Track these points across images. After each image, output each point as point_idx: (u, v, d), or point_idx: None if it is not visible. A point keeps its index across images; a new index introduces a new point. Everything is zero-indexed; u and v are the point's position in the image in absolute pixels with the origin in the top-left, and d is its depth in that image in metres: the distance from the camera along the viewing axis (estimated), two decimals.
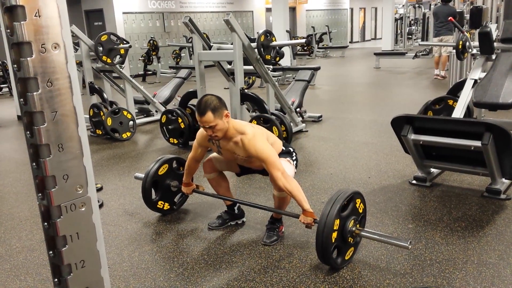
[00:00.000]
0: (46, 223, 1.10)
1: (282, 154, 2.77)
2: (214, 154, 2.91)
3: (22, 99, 1.01)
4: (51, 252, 1.13)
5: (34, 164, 1.06)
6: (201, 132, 2.77)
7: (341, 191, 2.40)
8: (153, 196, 3.13)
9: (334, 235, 2.27)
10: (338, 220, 2.29)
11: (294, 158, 2.83)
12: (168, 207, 3.20)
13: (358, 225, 2.43)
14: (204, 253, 2.71)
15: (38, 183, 1.07)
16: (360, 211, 2.49)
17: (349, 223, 2.36)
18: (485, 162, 3.10)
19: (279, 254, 2.65)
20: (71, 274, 1.13)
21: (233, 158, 2.75)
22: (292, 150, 2.87)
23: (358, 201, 2.47)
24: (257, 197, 3.52)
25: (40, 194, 1.08)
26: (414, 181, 3.62)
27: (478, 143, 2.99)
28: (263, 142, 2.55)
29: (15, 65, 1.00)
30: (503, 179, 3.30)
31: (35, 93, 0.99)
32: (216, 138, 2.60)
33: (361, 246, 2.67)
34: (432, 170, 3.65)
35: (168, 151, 5.01)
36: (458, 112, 3.81)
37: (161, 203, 3.16)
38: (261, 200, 3.43)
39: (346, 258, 2.43)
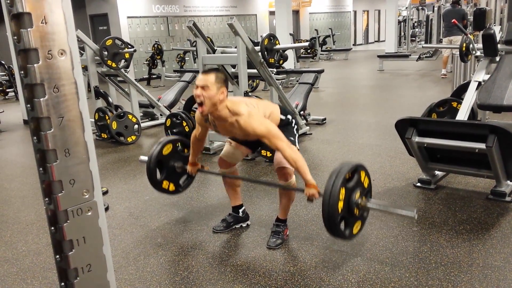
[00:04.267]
0: (53, 228, 1.11)
1: (281, 127, 2.63)
2: (223, 152, 2.90)
3: (29, 105, 1.02)
4: (57, 256, 1.14)
5: (41, 169, 1.07)
6: (198, 112, 2.70)
7: (345, 163, 2.33)
8: (158, 176, 3.03)
9: (340, 205, 2.18)
10: (344, 189, 2.21)
11: (294, 127, 2.76)
12: (174, 188, 3.10)
13: (364, 198, 2.33)
14: (209, 257, 2.71)
15: (45, 188, 1.08)
16: (365, 185, 2.38)
17: (355, 194, 2.27)
18: (490, 165, 3.10)
19: (284, 257, 2.65)
20: (78, 278, 1.14)
21: (233, 135, 2.70)
22: (290, 118, 2.76)
23: (363, 173, 2.37)
24: (262, 200, 3.52)
25: (47, 199, 1.09)
26: (418, 184, 3.61)
27: (482, 146, 2.99)
28: (259, 120, 2.46)
29: (22, 72, 1.01)
30: (508, 182, 3.29)
31: (41, 99, 1.00)
32: (200, 107, 2.45)
33: (366, 249, 2.67)
34: (437, 172, 3.64)
35: None
36: (462, 114, 3.80)
37: (166, 183, 3.05)
38: (265, 203, 3.43)
39: (354, 232, 2.31)
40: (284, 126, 2.71)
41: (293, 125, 2.77)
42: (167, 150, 3.04)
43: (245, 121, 2.45)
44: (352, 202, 2.26)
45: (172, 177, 3.10)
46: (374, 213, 3.15)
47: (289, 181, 2.68)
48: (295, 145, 2.68)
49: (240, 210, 3.05)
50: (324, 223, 2.21)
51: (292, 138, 2.69)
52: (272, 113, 2.69)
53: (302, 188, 2.48)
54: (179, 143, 3.12)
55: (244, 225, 3.07)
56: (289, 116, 2.77)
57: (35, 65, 0.98)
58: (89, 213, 1.14)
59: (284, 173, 2.66)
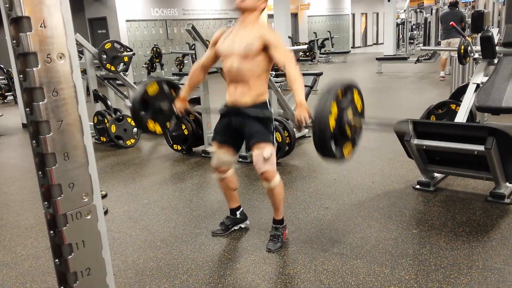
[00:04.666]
0: (52, 231, 1.11)
1: (264, 122, 2.63)
2: (212, 161, 2.85)
3: (28, 109, 1.02)
4: (57, 260, 1.13)
5: (40, 172, 1.07)
6: (216, 32, 2.75)
7: (337, 80, 2.28)
8: (144, 116, 2.89)
9: (332, 122, 2.12)
10: (335, 104, 2.14)
11: (272, 125, 2.71)
12: (160, 130, 2.98)
13: (357, 118, 2.27)
14: (209, 260, 2.71)
15: (44, 192, 1.08)
16: (358, 106, 2.31)
17: (347, 112, 2.19)
18: (489, 167, 3.10)
19: (283, 260, 2.65)
20: (77, 282, 1.14)
21: (233, 40, 2.61)
22: (272, 114, 2.71)
23: (356, 92, 2.31)
24: (261, 203, 3.52)
25: (46, 203, 1.08)
26: (417, 186, 3.62)
27: (481, 148, 2.99)
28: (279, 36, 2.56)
29: (21, 75, 1.01)
30: (507, 183, 3.30)
31: (41, 103, 1.00)
32: (240, 3, 2.53)
33: (365, 252, 2.67)
34: (436, 174, 3.65)
35: (172, 157, 5.02)
36: (461, 116, 3.81)
37: (152, 124, 2.93)
38: (264, 206, 3.43)
39: (345, 154, 2.25)
40: (265, 120, 2.65)
41: (272, 121, 2.71)
42: (152, 90, 2.90)
43: (266, 30, 2.56)
44: (344, 120, 2.18)
45: (159, 118, 2.96)
46: (373, 215, 3.15)
47: (273, 181, 2.63)
48: (273, 143, 2.66)
49: (238, 212, 3.05)
50: (313, 141, 2.16)
51: (270, 137, 2.65)
52: (266, 85, 2.69)
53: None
54: (165, 84, 2.97)
55: (243, 226, 3.07)
56: (271, 111, 2.73)
57: (34, 69, 0.98)
58: (88, 217, 1.13)
59: (266, 177, 2.62)
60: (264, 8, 2.61)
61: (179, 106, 2.89)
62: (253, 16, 2.58)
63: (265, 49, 2.53)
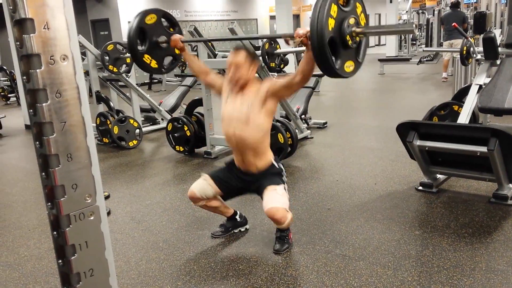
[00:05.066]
0: (55, 232, 1.11)
1: (273, 175, 2.67)
2: (195, 185, 2.80)
3: (31, 110, 1.03)
4: (60, 261, 1.14)
5: (43, 174, 1.07)
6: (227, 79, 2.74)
7: None
8: (139, 47, 2.87)
9: (331, 22, 2.00)
10: (336, 6, 2.02)
11: (285, 179, 2.73)
12: (156, 65, 2.94)
13: (359, 28, 2.14)
14: (211, 261, 2.71)
15: (48, 193, 1.08)
16: (362, 21, 2.19)
17: (349, 20, 2.08)
18: (492, 168, 3.09)
19: (285, 262, 2.65)
20: (80, 283, 1.14)
21: (233, 108, 2.64)
22: (282, 168, 2.76)
23: (359, 6, 2.18)
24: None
25: (49, 204, 1.09)
26: (420, 187, 3.61)
27: (484, 149, 2.99)
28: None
29: (25, 77, 1.01)
30: (510, 185, 3.28)
31: (44, 104, 1.00)
32: (235, 81, 2.59)
33: (368, 253, 2.67)
34: (438, 176, 3.64)
35: (175, 159, 5.03)
36: (464, 117, 3.80)
37: (148, 58, 2.89)
38: None
39: (345, 69, 2.13)
40: (275, 174, 2.69)
41: (283, 173, 2.73)
42: (150, 19, 2.85)
43: (268, 80, 2.68)
44: (344, 26, 2.07)
45: (155, 53, 2.93)
46: (376, 217, 3.15)
47: (285, 223, 2.56)
48: (284, 186, 2.66)
49: (237, 217, 3.04)
50: (311, 44, 2.05)
51: (280, 181, 2.66)
52: (268, 145, 2.72)
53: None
54: (164, 17, 2.93)
55: (242, 229, 3.06)
56: (281, 166, 2.77)
57: (37, 70, 0.98)
58: (92, 218, 1.14)
59: (276, 219, 2.53)
60: (255, 70, 2.64)
61: (175, 39, 2.89)
62: (252, 82, 2.64)
63: (268, 98, 2.58)
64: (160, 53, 2.96)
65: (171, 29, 2.98)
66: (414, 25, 2.07)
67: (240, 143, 2.64)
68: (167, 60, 3.09)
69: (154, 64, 2.93)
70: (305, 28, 2.24)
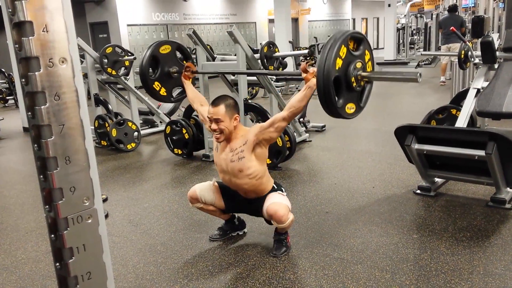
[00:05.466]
0: (53, 235, 1.11)
1: (273, 190, 2.73)
2: (199, 185, 2.85)
3: (30, 113, 1.03)
4: (57, 264, 1.13)
5: (41, 176, 1.07)
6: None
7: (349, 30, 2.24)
8: (151, 74, 2.91)
9: (339, 62, 2.05)
10: (346, 49, 2.08)
11: (284, 193, 2.77)
12: (165, 93, 2.98)
13: (364, 72, 2.22)
14: (209, 264, 2.71)
15: (46, 196, 1.08)
16: (368, 68, 2.25)
17: (356, 63, 2.14)
18: (490, 172, 3.10)
19: (283, 265, 2.64)
20: (78, 286, 1.14)
21: (225, 160, 2.67)
22: (282, 188, 2.79)
23: (368, 53, 2.25)
24: None
25: (47, 206, 1.09)
26: (418, 191, 3.61)
27: (482, 153, 2.99)
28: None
29: (23, 80, 1.01)
30: (508, 189, 3.29)
31: (42, 107, 1.01)
32: (217, 137, 2.61)
33: (366, 257, 2.67)
34: (437, 179, 3.65)
35: (173, 161, 5.02)
36: (462, 121, 3.81)
37: (158, 85, 2.94)
38: None
39: (346, 110, 2.17)
40: (275, 190, 2.74)
41: (282, 188, 2.77)
42: (164, 49, 2.93)
43: (254, 126, 2.63)
44: (351, 68, 2.12)
45: (166, 81, 2.98)
46: (374, 220, 3.15)
47: (287, 223, 2.59)
48: (283, 192, 2.72)
49: (235, 220, 3.04)
50: (317, 79, 2.11)
51: (282, 190, 2.74)
52: (270, 178, 2.76)
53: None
54: (178, 49, 2.99)
55: (240, 233, 3.06)
56: (282, 187, 2.80)
57: (36, 73, 0.98)
58: (89, 221, 1.14)
59: (278, 216, 2.56)
60: (237, 122, 2.63)
61: (190, 64, 2.98)
62: (233, 133, 2.63)
63: (257, 145, 2.60)
64: (171, 83, 3.05)
65: (184, 62, 3.08)
66: (418, 74, 2.11)
67: (238, 187, 2.72)
68: (176, 91, 3.14)
69: (163, 92, 3.01)
70: (312, 67, 2.37)
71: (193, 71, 3.05)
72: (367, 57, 2.28)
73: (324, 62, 2.05)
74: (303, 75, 2.46)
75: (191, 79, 3.09)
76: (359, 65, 2.17)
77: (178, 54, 3.06)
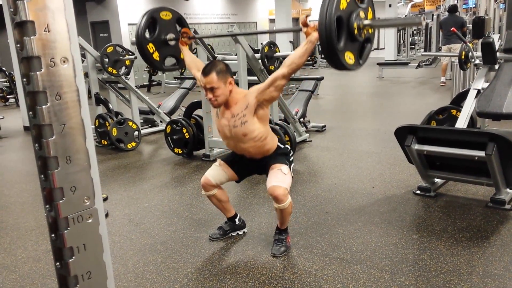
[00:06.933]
0: (53, 235, 1.11)
1: (279, 155, 2.71)
2: (209, 171, 2.85)
3: (31, 112, 1.03)
4: (58, 263, 1.14)
5: (42, 176, 1.07)
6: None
7: None
8: (148, 36, 2.91)
9: (343, 2, 2.01)
10: None
11: (291, 160, 2.77)
12: (158, 59, 2.96)
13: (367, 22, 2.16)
14: (209, 264, 2.71)
15: (46, 195, 1.08)
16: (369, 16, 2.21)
17: (359, 12, 2.09)
18: (489, 172, 3.10)
19: (283, 265, 2.65)
20: (78, 285, 1.14)
21: (227, 126, 2.65)
22: (289, 149, 2.80)
23: (370, 10, 2.20)
24: (261, 207, 3.52)
25: (47, 206, 1.09)
26: (418, 191, 3.62)
27: (482, 153, 2.99)
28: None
29: (25, 79, 1.01)
30: (508, 189, 3.29)
31: (44, 107, 1.01)
32: (215, 104, 2.59)
33: (365, 257, 2.67)
34: (436, 180, 3.65)
35: (173, 161, 5.03)
36: (462, 122, 3.81)
37: (152, 48, 2.91)
38: (265, 210, 3.43)
39: (346, 58, 2.11)
40: (281, 154, 2.73)
41: (289, 155, 2.77)
42: (165, 15, 2.91)
43: (252, 88, 2.58)
44: (354, 15, 2.07)
45: (161, 47, 2.96)
46: (373, 220, 3.15)
47: (284, 203, 2.58)
48: (289, 167, 2.69)
49: (236, 219, 3.04)
50: (319, 14, 2.03)
51: (286, 162, 2.70)
52: (274, 136, 2.75)
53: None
54: (178, 20, 2.98)
55: (240, 232, 3.06)
56: (288, 147, 2.81)
57: (37, 72, 0.99)
58: (90, 220, 1.14)
59: (276, 195, 2.55)
60: (233, 85, 2.59)
61: (187, 30, 2.99)
62: (230, 97, 2.60)
63: (258, 106, 2.57)
64: (166, 50, 2.99)
65: (181, 34, 3.02)
66: (422, 18, 2.06)
67: (243, 151, 2.72)
68: (170, 61, 3.10)
69: (156, 56, 2.95)
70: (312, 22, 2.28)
71: (190, 36, 3.01)
72: (369, 15, 2.23)
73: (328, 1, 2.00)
74: (304, 29, 2.36)
75: (188, 46, 3.05)
76: (362, 14, 2.13)
77: (178, 27, 3.04)
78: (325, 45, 2.08)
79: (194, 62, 3.00)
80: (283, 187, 2.55)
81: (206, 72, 2.53)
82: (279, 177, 2.59)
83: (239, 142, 2.66)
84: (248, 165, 2.83)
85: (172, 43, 3.00)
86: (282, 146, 2.77)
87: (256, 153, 2.71)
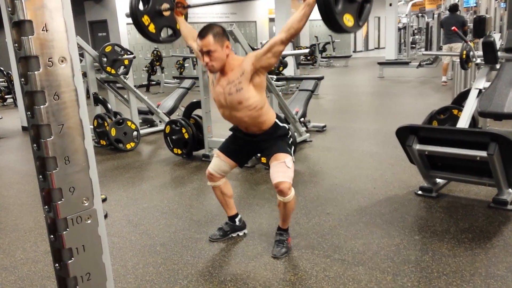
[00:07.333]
0: (52, 236, 1.09)
1: (281, 139, 2.66)
2: (211, 165, 2.85)
3: (29, 112, 1.01)
4: (57, 264, 1.12)
5: (40, 176, 1.05)
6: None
7: None
8: (141, 8, 2.86)
9: None
10: None
11: (291, 142, 2.72)
12: (154, 31, 2.91)
13: None
14: (209, 265, 2.69)
15: (45, 196, 1.07)
16: None
17: None
18: (491, 173, 3.08)
19: (284, 266, 2.63)
20: (77, 287, 1.13)
21: (223, 93, 2.59)
22: (287, 128, 2.72)
23: None
24: (262, 207, 3.50)
25: (46, 207, 1.07)
26: (420, 192, 3.60)
27: (483, 153, 2.98)
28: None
29: (23, 79, 1.00)
30: (510, 190, 3.28)
31: (42, 107, 0.99)
32: (212, 68, 2.53)
33: (367, 258, 2.65)
34: (438, 180, 3.63)
35: (172, 161, 5.01)
36: (463, 122, 3.80)
37: (147, 20, 2.87)
38: (265, 211, 3.42)
39: (344, 20, 2.09)
40: (281, 137, 2.68)
41: (289, 137, 2.73)
42: None
43: (249, 55, 2.52)
44: None
45: (156, 19, 2.91)
46: (375, 221, 3.13)
47: (289, 196, 2.57)
48: (292, 156, 2.65)
49: (237, 219, 3.02)
50: None
51: (288, 149, 2.66)
52: (270, 108, 2.69)
53: None
54: None
55: (240, 233, 3.04)
56: (286, 126, 2.75)
57: (35, 72, 0.97)
58: (89, 221, 1.12)
59: (281, 189, 2.55)
60: (229, 49, 2.54)
61: (178, 7, 2.94)
62: (226, 63, 2.54)
63: (255, 73, 2.51)
64: (161, 21, 2.95)
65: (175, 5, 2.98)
66: None
67: (239, 121, 2.66)
68: (167, 32, 3.06)
69: (152, 28, 2.91)
70: None
71: (184, 6, 2.97)
72: None
73: None
74: None
75: (183, 15, 3.01)
76: None
77: None
78: (323, 8, 2.05)
79: (191, 33, 2.94)
80: (287, 182, 2.55)
81: (202, 34, 2.45)
82: (284, 171, 2.56)
83: (233, 110, 2.59)
84: (246, 147, 2.78)
85: (167, 13, 2.95)
86: (281, 125, 2.70)
87: (252, 125, 2.63)
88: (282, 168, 2.57)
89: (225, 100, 2.59)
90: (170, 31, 3.08)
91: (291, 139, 2.74)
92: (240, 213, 3.08)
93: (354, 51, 24.20)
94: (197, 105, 5.10)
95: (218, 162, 2.82)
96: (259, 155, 4.05)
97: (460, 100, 4.45)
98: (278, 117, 2.74)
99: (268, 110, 2.67)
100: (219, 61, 2.50)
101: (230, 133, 2.89)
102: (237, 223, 3.02)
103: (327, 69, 15.45)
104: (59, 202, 1.06)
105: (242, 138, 2.77)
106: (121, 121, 5.59)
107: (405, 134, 3.38)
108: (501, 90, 3.67)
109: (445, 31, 9.60)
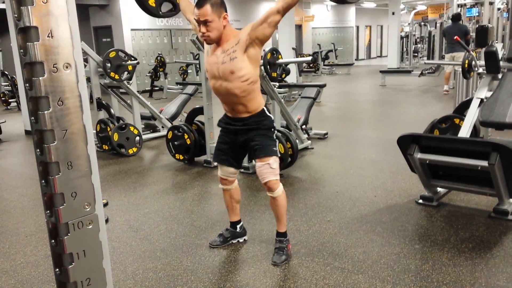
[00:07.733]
0: (53, 241, 1.10)
1: (264, 133, 2.66)
2: (219, 172, 2.88)
3: (33, 118, 1.02)
4: (57, 269, 1.13)
5: (43, 181, 1.06)
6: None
7: None
8: None
9: None
10: None
11: (274, 133, 2.72)
12: (154, 4, 2.90)
13: None
14: (209, 272, 2.69)
15: (47, 200, 1.07)
16: None
17: None
18: (492, 182, 3.08)
19: (284, 274, 2.63)
20: None
21: (216, 63, 2.57)
22: (272, 119, 2.72)
23: None
24: (262, 214, 3.50)
25: (48, 212, 1.08)
26: (420, 201, 3.60)
27: (485, 163, 2.98)
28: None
29: (27, 84, 1.01)
30: (511, 200, 3.27)
31: (46, 112, 1.00)
32: (208, 39, 2.50)
33: (367, 267, 2.65)
34: (439, 189, 3.63)
35: (174, 167, 5.02)
36: (465, 131, 3.80)
37: None
38: (266, 218, 3.41)
39: None
40: (267, 130, 2.68)
41: (273, 130, 2.73)
42: None
43: (245, 27, 2.51)
44: None
45: None
46: (375, 229, 3.13)
47: (277, 190, 2.65)
48: (276, 153, 2.67)
49: (238, 226, 3.03)
50: None
51: (274, 149, 2.67)
52: (259, 92, 2.67)
53: None
54: None
55: (241, 240, 3.04)
56: (271, 116, 2.75)
57: (40, 78, 0.98)
58: (90, 227, 1.13)
59: (269, 186, 2.64)
60: (227, 20, 2.53)
61: None
62: (223, 34, 2.53)
63: (250, 44, 2.49)
64: None
65: None
66: None
67: (228, 94, 2.61)
68: (167, 7, 3.05)
69: (151, 2, 2.93)
70: None
71: None
72: None
73: None
74: None
75: None
76: None
77: None
78: None
79: (189, 7, 2.91)
80: (274, 179, 2.63)
81: (200, 3, 2.43)
82: (269, 172, 2.63)
83: (225, 81, 2.55)
84: (235, 141, 2.74)
85: None
86: (268, 114, 2.70)
87: (239, 103, 2.60)
88: (266, 169, 2.63)
89: (218, 69, 2.57)
90: (169, 6, 3.09)
91: (275, 134, 2.74)
92: (241, 220, 3.09)
93: (357, 59, 24.24)
94: (199, 111, 5.11)
95: (222, 167, 2.86)
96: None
97: (462, 109, 4.45)
98: (266, 106, 2.75)
99: (258, 94, 2.67)
100: (215, 32, 2.47)
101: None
102: (238, 229, 3.03)
103: (329, 77, 15.48)
104: (61, 207, 1.07)
105: (232, 130, 2.73)
106: (123, 126, 5.60)
107: (406, 142, 3.38)
108: (503, 99, 3.68)
109: (447, 40, 9.62)
